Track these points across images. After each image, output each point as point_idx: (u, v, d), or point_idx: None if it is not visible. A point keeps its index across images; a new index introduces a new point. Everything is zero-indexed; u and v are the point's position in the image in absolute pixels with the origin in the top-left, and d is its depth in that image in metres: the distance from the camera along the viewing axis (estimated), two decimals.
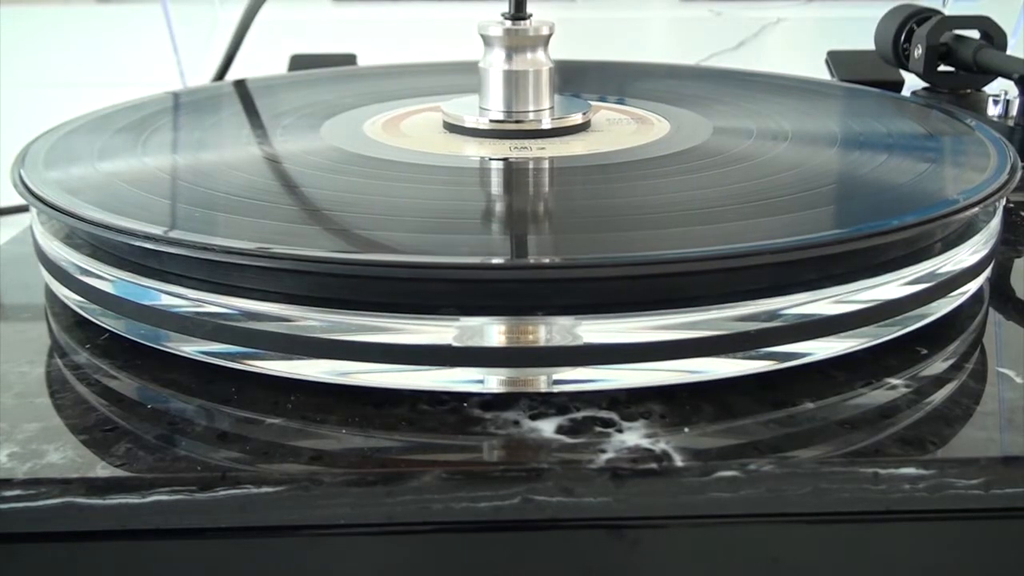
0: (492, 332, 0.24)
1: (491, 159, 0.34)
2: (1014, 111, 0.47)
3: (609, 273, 0.24)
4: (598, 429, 0.23)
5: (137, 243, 0.26)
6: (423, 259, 0.24)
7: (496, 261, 0.25)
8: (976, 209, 0.28)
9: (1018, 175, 0.31)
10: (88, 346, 0.28)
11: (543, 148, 0.35)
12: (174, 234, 0.25)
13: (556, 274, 0.24)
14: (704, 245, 0.25)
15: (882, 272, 0.26)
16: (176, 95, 0.45)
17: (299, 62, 0.59)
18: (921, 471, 0.22)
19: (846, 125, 0.39)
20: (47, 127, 0.38)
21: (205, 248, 0.25)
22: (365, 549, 0.23)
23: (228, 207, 0.28)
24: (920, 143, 0.36)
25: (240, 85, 0.48)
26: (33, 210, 0.31)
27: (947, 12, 0.51)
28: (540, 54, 0.37)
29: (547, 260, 0.25)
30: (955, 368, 0.27)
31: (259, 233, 0.26)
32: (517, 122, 0.37)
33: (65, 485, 0.22)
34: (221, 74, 0.60)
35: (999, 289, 0.33)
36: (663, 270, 0.24)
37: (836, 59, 0.58)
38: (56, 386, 0.26)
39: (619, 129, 0.38)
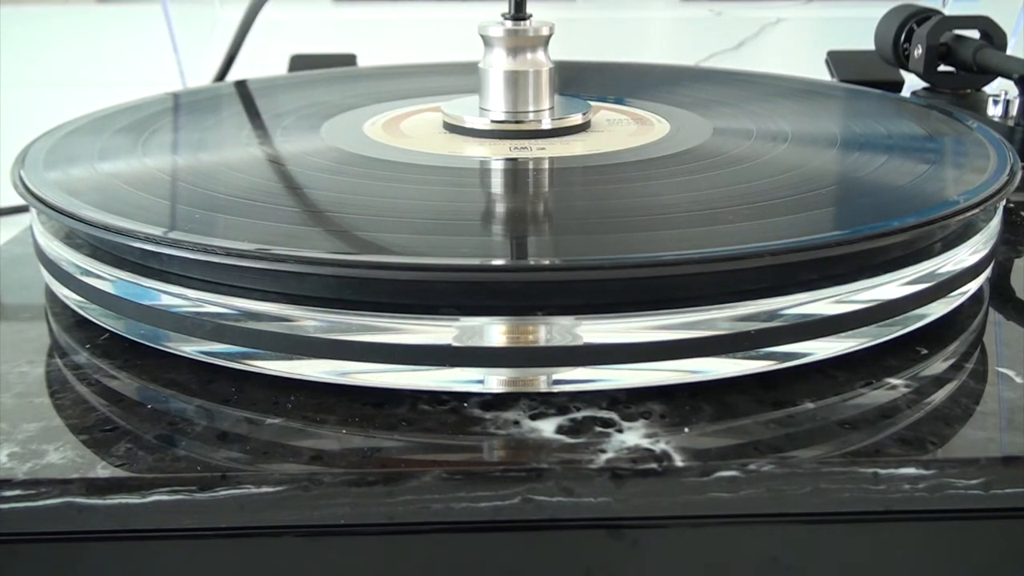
0: (492, 332, 0.24)
1: (491, 159, 0.34)
2: (1014, 111, 0.47)
3: (609, 275, 0.24)
4: (598, 429, 0.23)
5: (137, 244, 0.26)
6: (423, 261, 0.24)
7: (496, 263, 0.24)
8: (976, 211, 0.28)
9: (1018, 177, 0.31)
10: (88, 346, 0.28)
11: (543, 148, 0.35)
12: (173, 235, 0.25)
13: (556, 276, 0.24)
14: (704, 247, 0.25)
15: (882, 272, 0.26)
16: (176, 96, 0.45)
17: (299, 62, 0.59)
18: (921, 471, 0.22)
19: (846, 126, 0.39)
20: (47, 127, 0.38)
21: (204, 250, 0.25)
22: (365, 549, 0.23)
23: (228, 208, 0.28)
24: (920, 144, 0.36)
25: (240, 86, 0.48)
26: (33, 210, 0.31)
27: (947, 12, 0.51)
28: (540, 54, 0.37)
29: (547, 262, 0.25)
30: (955, 368, 0.27)
31: (259, 234, 0.26)
32: (517, 122, 0.37)
33: (65, 485, 0.22)
34: (222, 75, 0.61)
35: (999, 289, 0.33)
36: (664, 272, 0.24)
37: (836, 59, 0.58)
38: (56, 386, 0.26)
39: (619, 129, 0.38)
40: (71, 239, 0.30)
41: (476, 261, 0.24)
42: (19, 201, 0.33)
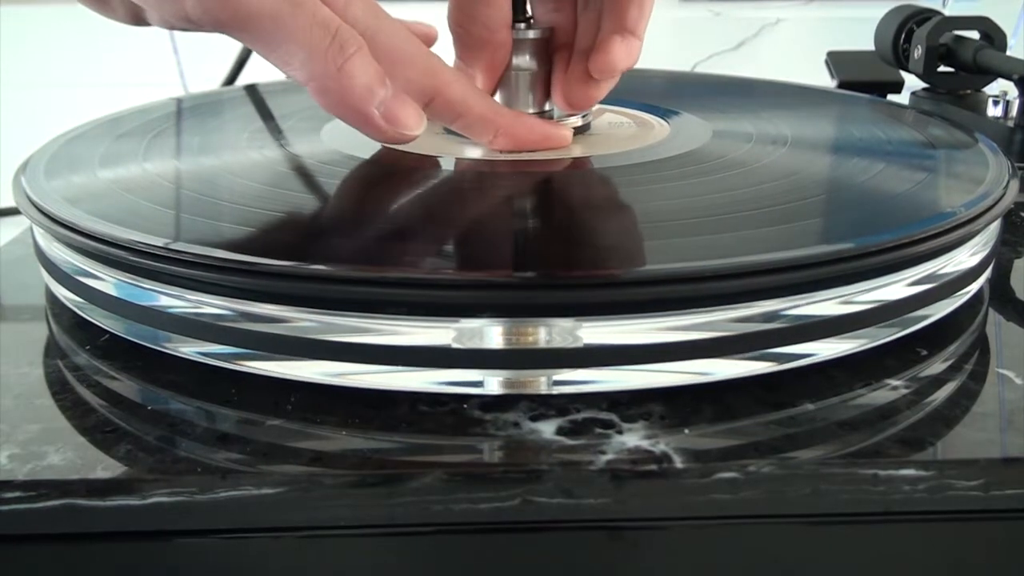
0: (492, 334, 0.24)
1: (488, 161, 0.34)
2: (1014, 112, 0.47)
3: (609, 283, 0.24)
4: (598, 430, 0.24)
5: (142, 261, 0.26)
6: (422, 275, 0.24)
7: (494, 279, 0.24)
8: (975, 224, 0.28)
9: (1016, 188, 0.31)
10: (88, 347, 0.28)
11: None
12: (176, 246, 0.25)
13: (552, 294, 0.24)
14: (703, 255, 0.25)
15: (882, 274, 0.26)
16: (179, 100, 0.45)
17: None
18: (921, 472, 0.22)
19: (846, 132, 0.39)
20: (47, 127, 0.38)
21: (201, 266, 0.25)
22: (365, 550, 0.23)
23: (228, 214, 0.28)
24: (920, 152, 0.36)
25: (241, 90, 0.48)
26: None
27: (947, 13, 0.51)
28: (540, 56, 0.37)
29: (545, 278, 0.24)
30: (955, 369, 0.27)
31: (257, 244, 0.26)
32: None
33: (65, 487, 0.22)
34: (231, 79, 0.61)
35: (999, 290, 0.33)
36: (665, 281, 0.24)
37: (836, 59, 0.58)
38: (56, 387, 0.26)
39: (619, 132, 0.38)
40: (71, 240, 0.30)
41: (472, 277, 0.24)
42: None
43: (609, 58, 0.33)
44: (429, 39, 0.38)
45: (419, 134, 0.30)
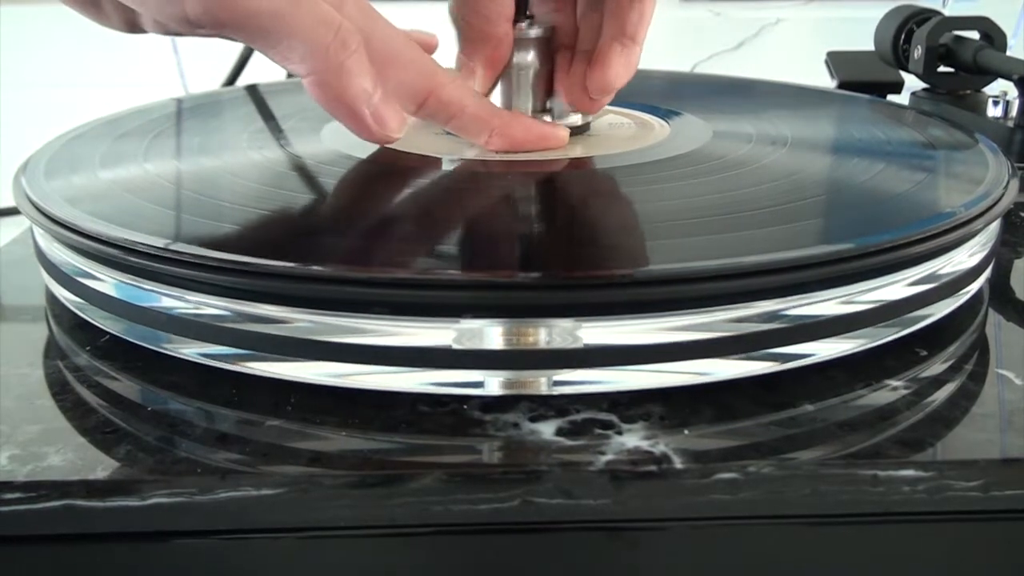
0: (492, 334, 0.24)
1: (488, 162, 0.34)
2: (1014, 112, 0.47)
3: (609, 283, 0.24)
4: (598, 431, 0.24)
5: (142, 261, 0.26)
6: (423, 276, 0.24)
7: (495, 280, 0.24)
8: (975, 223, 0.28)
9: (1016, 188, 0.31)
10: (88, 348, 0.28)
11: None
12: (176, 247, 0.25)
13: (554, 295, 0.24)
14: (702, 257, 0.25)
15: (882, 274, 0.26)
16: (179, 100, 0.45)
17: None
18: (920, 473, 0.22)
19: (846, 132, 0.39)
20: (47, 127, 0.38)
21: (201, 267, 0.25)
22: (365, 550, 0.23)
23: (228, 215, 0.28)
24: (920, 152, 0.36)
25: (240, 91, 0.48)
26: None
27: (947, 13, 0.51)
28: (542, 54, 0.37)
29: (546, 278, 0.24)
30: (954, 370, 0.27)
31: (257, 244, 0.26)
32: None
33: (65, 488, 0.22)
34: (232, 79, 0.61)
35: (999, 290, 0.33)
36: (665, 281, 0.24)
37: (836, 60, 0.58)
38: (56, 388, 0.26)
39: (619, 133, 0.38)
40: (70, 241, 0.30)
41: (474, 277, 0.24)
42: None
43: (607, 75, 0.33)
44: (430, 47, 0.38)
45: (400, 137, 0.31)
